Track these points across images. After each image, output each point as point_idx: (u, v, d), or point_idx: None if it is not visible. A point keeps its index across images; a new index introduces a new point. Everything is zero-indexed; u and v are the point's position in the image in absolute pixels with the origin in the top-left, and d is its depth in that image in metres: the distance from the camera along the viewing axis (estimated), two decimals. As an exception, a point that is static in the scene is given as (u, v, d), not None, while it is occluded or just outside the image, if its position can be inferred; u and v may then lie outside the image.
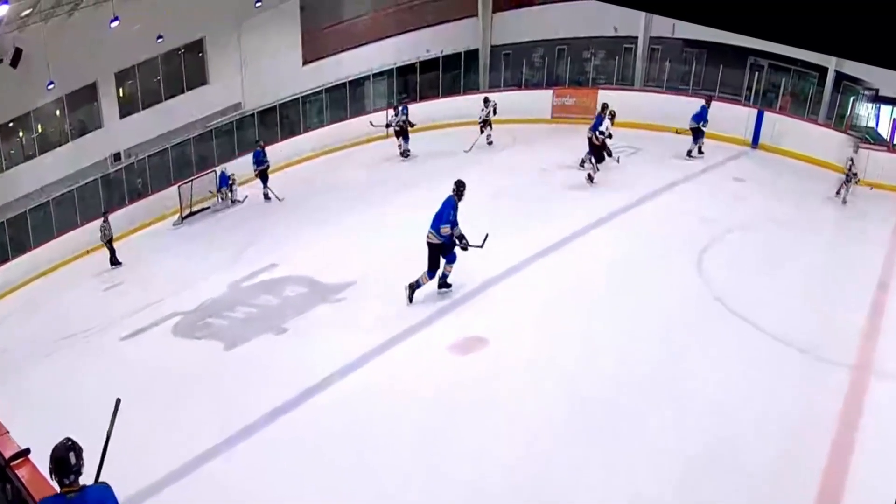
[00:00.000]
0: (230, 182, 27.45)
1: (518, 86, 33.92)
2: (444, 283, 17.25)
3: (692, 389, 13.58)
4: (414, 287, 16.63)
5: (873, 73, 27.88)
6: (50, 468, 6.31)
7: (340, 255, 19.48)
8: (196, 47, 30.09)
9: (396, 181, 25.48)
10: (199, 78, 30.54)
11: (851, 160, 24.83)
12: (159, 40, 28.28)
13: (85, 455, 6.50)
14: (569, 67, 34.67)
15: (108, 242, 24.21)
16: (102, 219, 24.26)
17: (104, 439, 7.17)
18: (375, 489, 10.99)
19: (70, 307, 20.28)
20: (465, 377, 13.86)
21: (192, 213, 27.06)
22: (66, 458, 6.23)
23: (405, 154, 27.99)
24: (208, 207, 27.57)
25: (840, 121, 29.72)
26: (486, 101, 27.20)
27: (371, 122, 28.97)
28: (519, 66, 35.54)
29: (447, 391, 13.36)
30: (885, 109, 30.16)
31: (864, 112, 30.43)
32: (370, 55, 33.55)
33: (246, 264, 19.82)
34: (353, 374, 13.96)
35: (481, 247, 16.68)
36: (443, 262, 16.87)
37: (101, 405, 13.32)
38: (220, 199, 27.54)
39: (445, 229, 16.51)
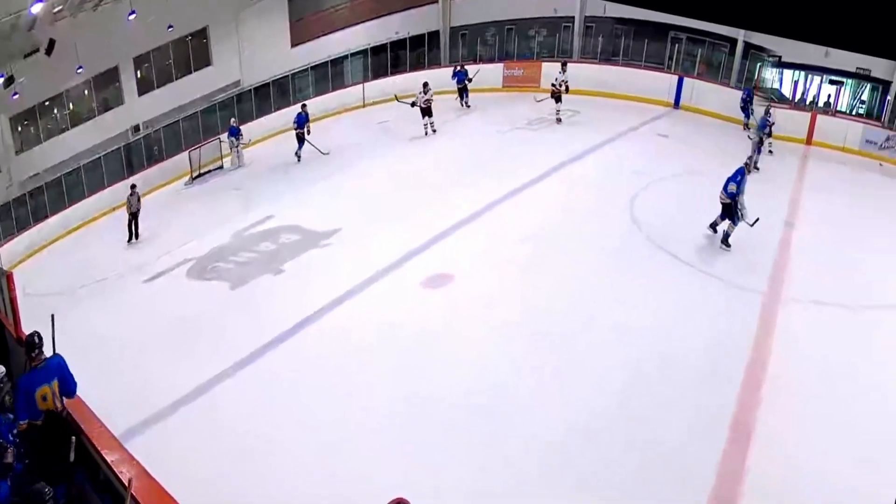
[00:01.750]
0: (239, 133, 27.26)
1: (474, 60, 33.80)
2: (725, 240, 17.18)
3: (629, 316, 13.75)
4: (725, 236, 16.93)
5: (777, 42, 28.83)
6: (23, 351, 6.81)
7: (327, 207, 19.39)
8: (201, 34, 30.28)
9: (374, 145, 25.29)
10: (203, 60, 30.74)
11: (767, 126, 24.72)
12: (170, 29, 28.47)
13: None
14: (517, 44, 35.04)
15: (134, 215, 22.07)
16: (130, 191, 22.61)
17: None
18: (360, 401, 11.05)
19: (98, 257, 20.23)
20: (434, 308, 13.97)
21: (200, 175, 26.97)
22: (32, 340, 6.70)
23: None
24: (215, 169, 27.44)
25: (749, 84, 30.19)
26: (426, 85, 25.67)
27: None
28: (474, 43, 35.84)
29: (419, 320, 13.45)
30: (788, 73, 31.35)
31: (770, 76, 31.46)
32: (348, 38, 33.78)
33: (247, 217, 19.69)
34: (340, 308, 13.95)
35: (752, 225, 16.87)
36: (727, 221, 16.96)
37: (126, 336, 13.62)
38: (232, 150, 27.36)
39: (732, 187, 16.69)
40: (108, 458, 5.58)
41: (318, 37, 33.17)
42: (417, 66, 33.88)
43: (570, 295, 14.51)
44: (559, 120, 26.49)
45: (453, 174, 21.12)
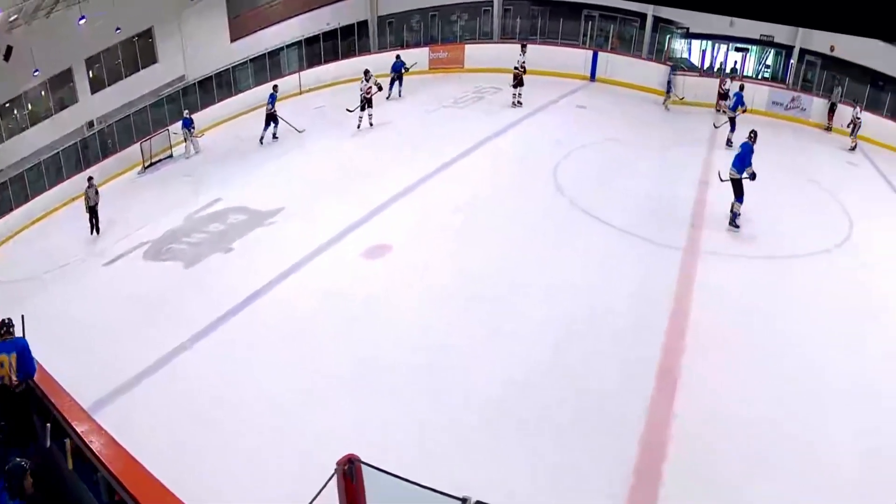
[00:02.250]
0: (192, 124, 27.35)
1: (401, 46, 34.23)
2: (733, 221, 17.12)
3: (558, 276, 14.02)
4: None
5: (684, 14, 30.05)
6: None
7: (271, 188, 19.52)
8: (146, 34, 30.49)
9: (312, 129, 25.42)
10: (150, 58, 30.95)
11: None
12: (118, 31, 28.70)
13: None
14: (440, 28, 35.50)
15: (92, 209, 21.25)
16: (87, 185, 21.96)
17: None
18: (311, 366, 11.19)
19: (61, 244, 20.20)
20: (375, 276, 14.14)
21: (152, 164, 27.05)
22: (3, 322, 7.27)
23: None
24: (165, 158, 27.57)
25: (659, 55, 31.42)
26: (367, 73, 24.37)
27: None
28: (401, 30, 36.34)
29: (361, 288, 13.61)
30: (696, 43, 32.63)
31: (679, 47, 32.47)
32: (283, 31, 34.14)
33: (197, 201, 19.72)
34: (287, 280, 14.08)
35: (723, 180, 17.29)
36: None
37: (90, 316, 13.76)
38: (185, 141, 27.45)
39: (749, 170, 16.66)
40: (78, 429, 5.66)
41: (255, 31, 33.56)
42: (349, 53, 34.34)
43: (502, 259, 14.70)
44: (520, 104, 26.19)
45: (387, 152, 21.34)
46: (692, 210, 17.90)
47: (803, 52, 31.33)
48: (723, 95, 27.33)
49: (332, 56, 33.66)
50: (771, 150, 23.13)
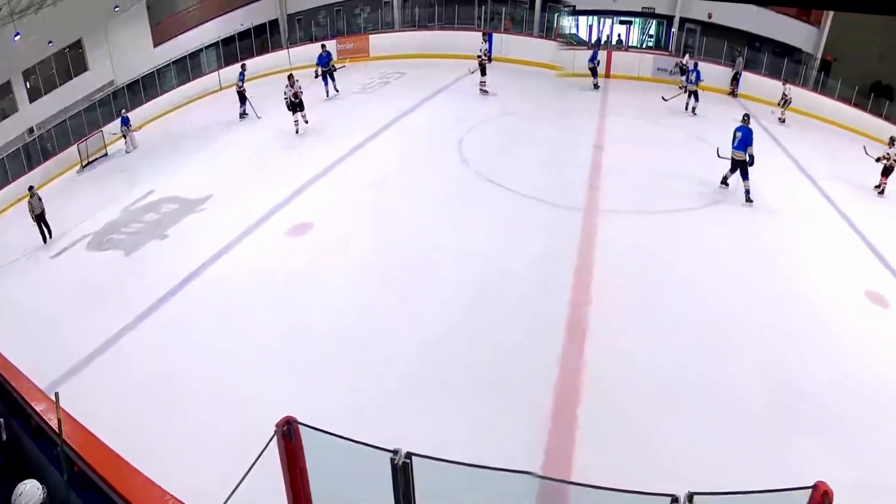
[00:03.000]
0: (129, 124, 27.07)
1: (310, 40, 34.26)
2: (748, 198, 17.36)
3: (467, 242, 14.23)
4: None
5: None
6: None
7: (200, 178, 19.37)
8: (77, 45, 30.53)
9: (234, 122, 25.28)
10: (81, 66, 31.00)
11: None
12: (50, 44, 28.66)
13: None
14: (346, 22, 35.83)
15: (40, 217, 19.49)
16: (29, 194, 20.33)
17: None
18: (245, 338, 11.26)
19: (10, 241, 19.61)
20: (300, 252, 14.20)
21: (89, 163, 26.73)
22: None
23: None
24: (101, 157, 27.22)
25: (550, 33, 32.19)
26: (291, 77, 22.57)
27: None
28: (309, 26, 36.52)
29: (288, 264, 13.70)
30: (583, 19, 33.27)
31: (567, 23, 33.08)
32: (201, 34, 34.19)
33: (132, 193, 19.49)
34: (219, 261, 14.10)
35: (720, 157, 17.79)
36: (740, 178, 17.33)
37: (42, 305, 13.69)
38: (124, 141, 27.10)
39: (750, 150, 16.97)
40: (37, 409, 5.68)
41: (176, 36, 33.70)
42: (263, 50, 34.40)
43: (415, 229, 14.88)
44: (485, 91, 25.91)
45: (304, 138, 21.41)
46: (589, 173, 18.19)
47: (683, 20, 32.26)
48: (682, 71, 27.69)
49: (248, 54, 33.42)
50: (653, 112, 23.68)
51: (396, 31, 33.83)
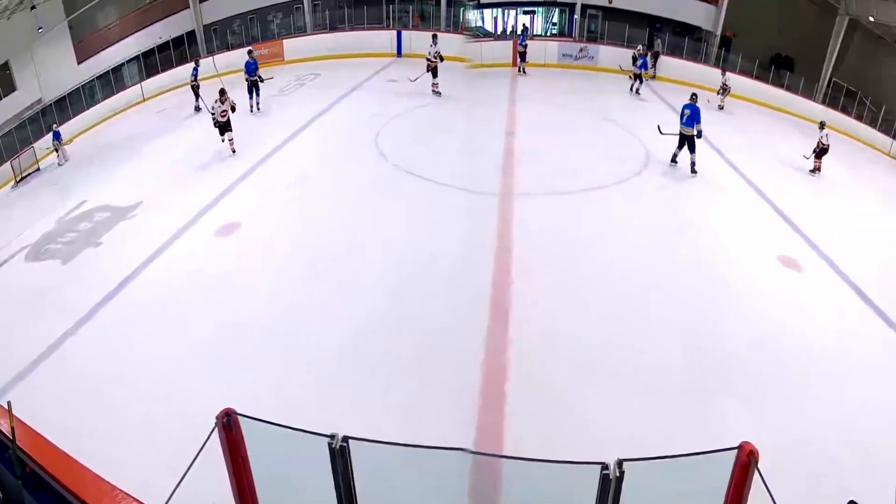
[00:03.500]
0: (60, 138, 26.53)
1: (227, 48, 33.97)
2: (693, 169, 18.30)
3: (389, 232, 14.37)
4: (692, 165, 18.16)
5: None
6: None
7: (129, 186, 18.97)
8: (4, 67, 29.99)
9: (160, 130, 24.75)
10: (10, 87, 30.39)
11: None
12: None
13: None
14: (260, 29, 35.47)
15: None
16: None
17: None
18: (180, 336, 11.22)
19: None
20: (229, 251, 14.13)
21: (23, 178, 26.06)
22: None
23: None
24: (34, 172, 26.46)
25: (457, 27, 32.32)
26: (223, 93, 20.86)
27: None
28: (225, 35, 36.12)
29: (218, 263, 13.61)
30: (488, 12, 33.53)
31: (473, 17, 33.31)
32: (122, 48, 33.70)
33: (66, 204, 19.00)
34: (152, 263, 13.93)
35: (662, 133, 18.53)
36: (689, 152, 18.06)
37: None
38: (56, 155, 26.52)
39: (698, 126, 17.80)
40: None
41: (99, 52, 33.14)
42: (182, 60, 33.77)
43: (338, 223, 14.92)
44: (438, 93, 25.40)
45: (226, 141, 21.00)
46: (503, 159, 18.37)
47: (585, 7, 32.86)
48: (635, 59, 27.75)
49: (168, 65, 33.27)
50: (560, 97, 23.89)
51: (309, 35, 33.78)
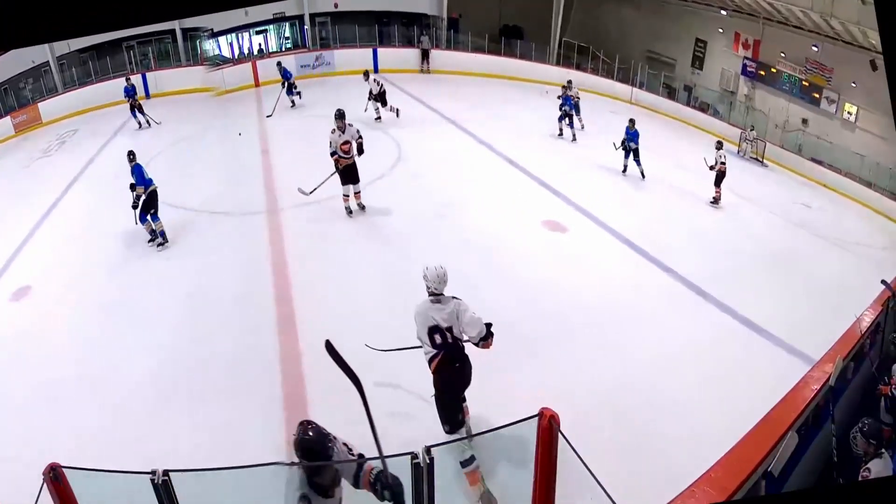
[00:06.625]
0: None
1: None
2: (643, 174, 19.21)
3: (170, 268, 14.30)
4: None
5: (204, 19, 30.50)
6: None
7: None
8: None
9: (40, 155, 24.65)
10: None
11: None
12: None
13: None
14: (14, 97, 32.12)
15: None
16: None
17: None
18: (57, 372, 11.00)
19: None
20: (22, 312, 13.51)
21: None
22: None
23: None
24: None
25: (196, 59, 31.68)
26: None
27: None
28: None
29: (13, 325, 13.00)
30: (223, 39, 32.99)
31: (210, 46, 32.69)
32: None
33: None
34: None
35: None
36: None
37: None
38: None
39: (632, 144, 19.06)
40: None
41: None
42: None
43: (119, 266, 14.71)
44: (398, 113, 24.03)
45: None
46: (262, 176, 18.72)
47: (313, 16, 33.03)
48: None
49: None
50: (314, 106, 24.96)
51: (61, 94, 31.97)
